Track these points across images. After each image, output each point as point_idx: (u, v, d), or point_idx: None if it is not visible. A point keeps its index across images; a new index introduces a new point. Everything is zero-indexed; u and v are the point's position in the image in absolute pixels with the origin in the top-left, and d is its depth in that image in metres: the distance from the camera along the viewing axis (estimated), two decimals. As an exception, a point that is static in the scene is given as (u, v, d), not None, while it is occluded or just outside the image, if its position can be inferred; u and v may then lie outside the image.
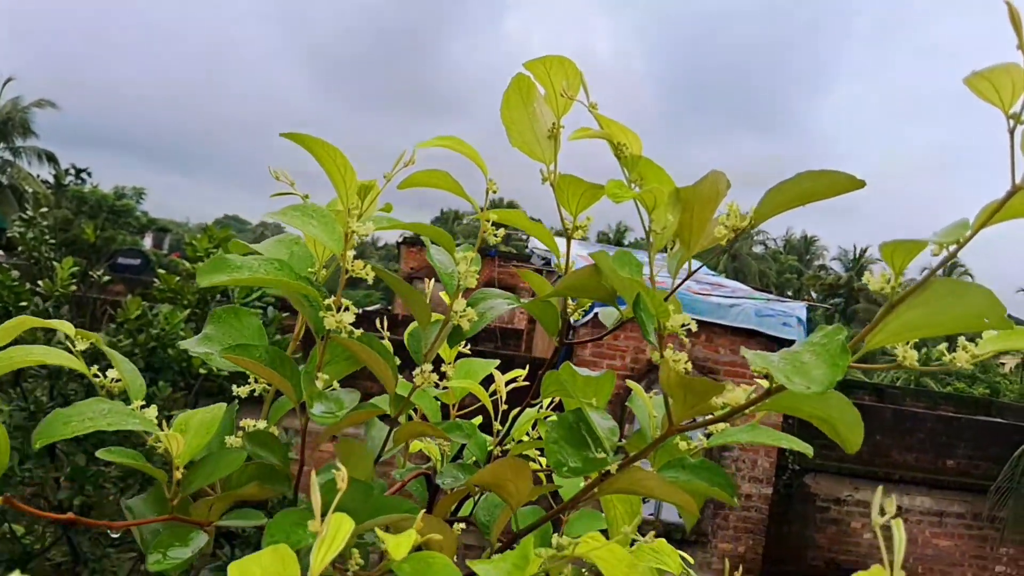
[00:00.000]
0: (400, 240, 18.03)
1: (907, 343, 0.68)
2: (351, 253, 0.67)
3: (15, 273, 6.22)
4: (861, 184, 0.74)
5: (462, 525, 0.87)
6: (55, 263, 6.50)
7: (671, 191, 0.72)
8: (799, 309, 8.48)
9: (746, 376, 8.41)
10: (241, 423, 0.73)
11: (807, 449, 0.85)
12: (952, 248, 0.59)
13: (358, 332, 0.67)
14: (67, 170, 30.32)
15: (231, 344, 0.76)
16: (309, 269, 0.77)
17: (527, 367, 0.98)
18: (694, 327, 0.71)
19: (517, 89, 0.78)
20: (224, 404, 0.63)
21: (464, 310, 0.76)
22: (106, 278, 7.61)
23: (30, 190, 27.27)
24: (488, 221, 0.82)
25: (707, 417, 0.73)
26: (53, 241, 7.19)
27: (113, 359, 0.72)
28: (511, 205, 48.68)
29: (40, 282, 6.33)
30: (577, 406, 0.78)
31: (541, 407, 0.95)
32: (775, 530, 8.32)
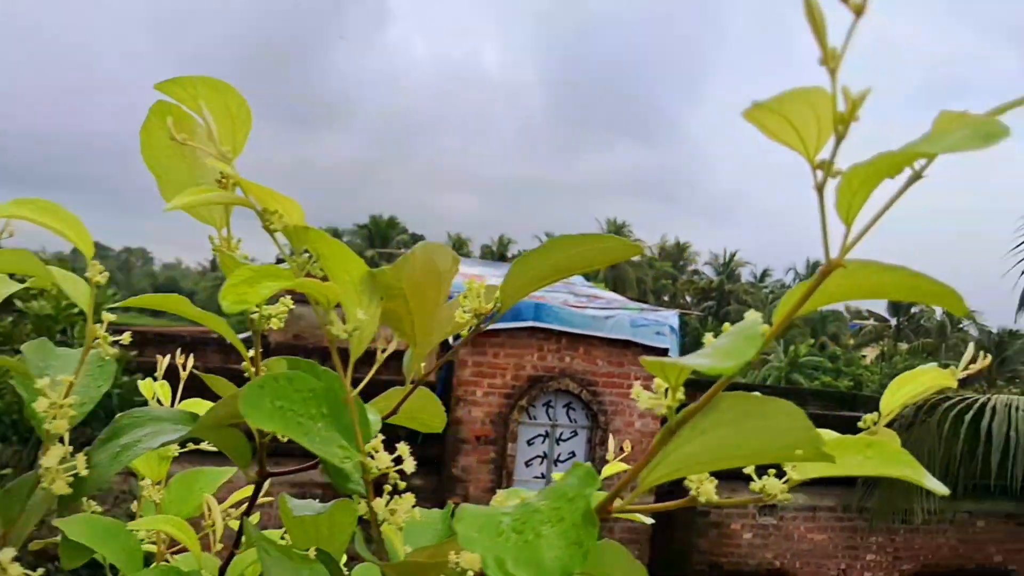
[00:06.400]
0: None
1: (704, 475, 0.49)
2: None
3: None
4: (638, 250, 0.54)
5: None
6: None
7: (361, 278, 0.50)
8: (672, 317, 8.60)
9: (623, 387, 8.43)
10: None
11: None
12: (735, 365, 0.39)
13: None
14: None
15: None
16: None
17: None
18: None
19: (159, 119, 0.53)
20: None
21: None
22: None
23: None
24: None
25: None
26: None
27: None
28: (391, 221, 47.30)
29: None
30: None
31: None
32: (659, 538, 8.35)
